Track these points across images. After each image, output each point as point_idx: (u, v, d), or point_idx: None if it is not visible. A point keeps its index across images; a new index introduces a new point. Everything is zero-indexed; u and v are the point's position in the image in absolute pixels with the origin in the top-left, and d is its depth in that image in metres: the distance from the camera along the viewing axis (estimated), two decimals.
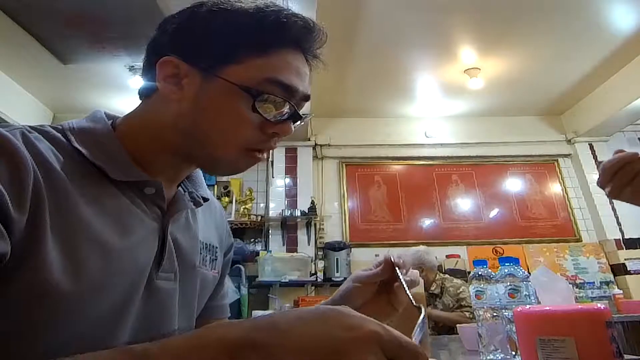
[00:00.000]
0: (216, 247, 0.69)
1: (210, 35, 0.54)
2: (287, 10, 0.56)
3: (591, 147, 4.34)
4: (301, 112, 0.59)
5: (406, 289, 0.62)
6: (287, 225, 3.84)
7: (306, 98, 0.59)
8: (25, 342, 0.42)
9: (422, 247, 2.95)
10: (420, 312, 0.51)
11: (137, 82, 3.31)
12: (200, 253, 0.63)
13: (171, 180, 0.61)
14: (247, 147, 0.56)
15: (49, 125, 0.53)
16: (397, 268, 0.65)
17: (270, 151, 0.60)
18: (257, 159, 0.58)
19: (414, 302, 0.58)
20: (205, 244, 0.65)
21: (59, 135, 0.52)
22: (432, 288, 2.74)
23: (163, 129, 0.56)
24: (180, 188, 0.63)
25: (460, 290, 2.69)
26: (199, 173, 0.68)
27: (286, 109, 0.56)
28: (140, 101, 0.61)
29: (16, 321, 0.42)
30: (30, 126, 0.51)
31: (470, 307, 2.56)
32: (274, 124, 0.55)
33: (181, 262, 0.58)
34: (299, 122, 0.59)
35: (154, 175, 0.56)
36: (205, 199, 0.67)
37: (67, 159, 0.49)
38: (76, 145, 0.51)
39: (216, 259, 0.68)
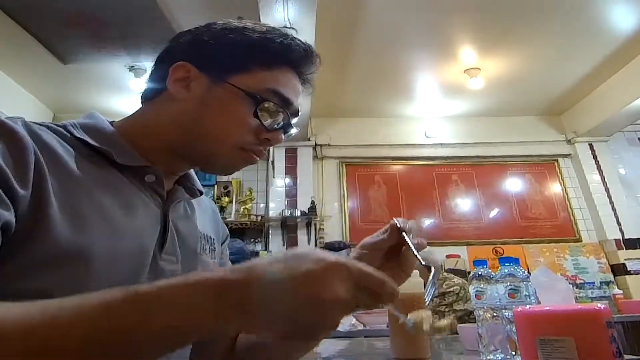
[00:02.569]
0: (213, 239, 0.72)
1: (223, 47, 0.61)
2: (291, 35, 0.64)
3: (591, 147, 4.34)
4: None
5: (414, 250, 0.62)
6: (287, 226, 3.84)
7: (296, 114, 0.66)
8: None
9: (425, 248, 2.94)
10: (430, 271, 0.54)
11: (137, 82, 3.32)
12: (200, 242, 0.67)
13: (170, 177, 0.65)
14: (240, 147, 0.61)
15: (49, 122, 0.57)
16: (403, 232, 0.66)
17: (265, 153, 0.65)
18: (250, 158, 0.63)
19: (422, 262, 0.59)
20: (204, 234, 0.69)
21: (61, 129, 0.56)
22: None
23: (163, 126, 0.61)
24: (176, 183, 0.68)
25: (451, 290, 2.65)
26: (191, 172, 0.72)
27: (281, 118, 0.62)
28: (142, 104, 0.66)
29: (31, 289, 0.43)
30: (32, 121, 0.55)
31: (449, 308, 2.55)
32: (267, 130, 0.62)
33: (183, 247, 0.61)
34: (288, 134, 0.66)
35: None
36: (201, 192, 0.71)
37: (71, 147, 0.54)
38: (79, 135, 0.56)
39: (215, 250, 0.72)
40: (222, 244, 0.78)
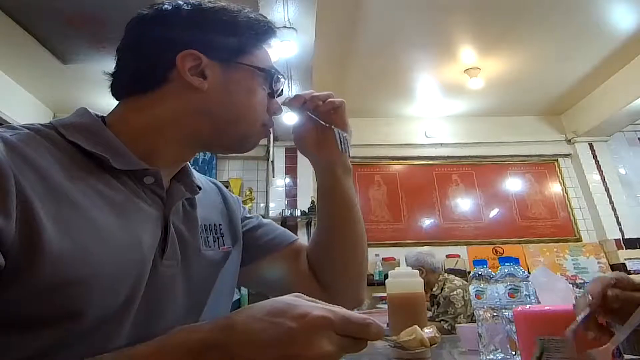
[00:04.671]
0: (219, 225, 0.71)
1: (223, 31, 0.62)
2: (256, 12, 0.67)
3: (591, 147, 4.34)
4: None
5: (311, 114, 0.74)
6: (288, 225, 3.83)
7: None
8: (42, 333, 0.42)
9: (425, 249, 2.93)
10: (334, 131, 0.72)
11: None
12: (201, 236, 0.65)
13: (168, 173, 0.63)
14: (263, 123, 0.66)
15: (38, 124, 0.53)
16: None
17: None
18: (268, 132, 0.69)
19: (322, 122, 0.74)
20: (206, 225, 0.67)
21: (52, 131, 0.52)
22: (434, 289, 2.72)
23: (184, 118, 0.60)
24: (173, 180, 0.65)
25: (454, 293, 2.61)
26: (187, 165, 0.70)
27: (283, 90, 0.70)
28: (128, 98, 0.61)
29: (27, 316, 0.42)
30: (21, 125, 0.51)
31: (454, 315, 2.52)
32: (274, 103, 0.68)
33: (184, 249, 0.60)
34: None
35: (153, 166, 0.58)
36: (200, 187, 0.69)
37: (62, 153, 0.50)
38: (71, 138, 0.52)
39: (222, 236, 0.70)
40: (240, 217, 0.78)
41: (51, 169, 0.47)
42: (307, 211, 3.78)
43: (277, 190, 4.02)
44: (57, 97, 3.72)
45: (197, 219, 0.65)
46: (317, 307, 0.38)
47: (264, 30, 0.66)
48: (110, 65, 0.66)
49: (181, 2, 0.62)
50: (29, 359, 0.41)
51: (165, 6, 0.62)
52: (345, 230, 0.78)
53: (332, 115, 0.74)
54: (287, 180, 4.07)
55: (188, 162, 0.69)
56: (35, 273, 0.41)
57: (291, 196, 4.00)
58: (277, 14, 2.45)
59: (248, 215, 0.81)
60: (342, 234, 0.78)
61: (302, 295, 0.41)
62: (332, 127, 0.73)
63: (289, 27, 2.52)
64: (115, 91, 0.63)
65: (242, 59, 0.63)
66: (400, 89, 3.97)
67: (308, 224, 3.84)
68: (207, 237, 0.66)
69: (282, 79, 0.68)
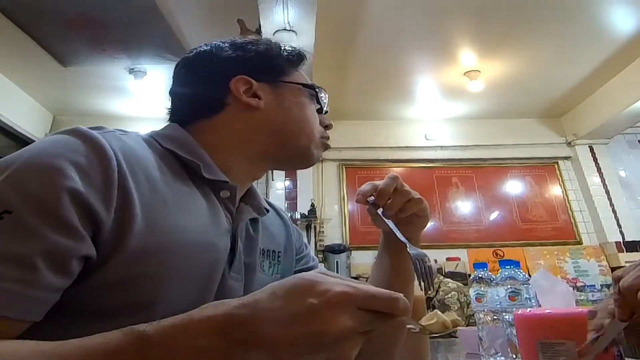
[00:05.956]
0: (278, 252, 0.74)
1: (262, 57, 0.69)
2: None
3: (591, 149, 4.33)
4: None
5: (388, 224, 0.71)
6: None
7: None
8: (113, 323, 0.43)
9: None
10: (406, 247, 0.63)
11: (137, 85, 3.31)
12: (259, 259, 0.68)
13: (239, 191, 0.67)
14: (321, 135, 0.71)
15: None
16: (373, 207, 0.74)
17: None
18: (328, 146, 0.73)
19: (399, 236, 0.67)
20: (264, 250, 0.70)
21: (150, 138, 0.59)
22: (429, 292, 2.70)
23: (251, 135, 0.66)
24: (242, 202, 0.69)
25: (448, 296, 2.59)
26: (255, 187, 0.74)
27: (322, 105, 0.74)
28: (192, 124, 0.66)
29: (101, 307, 0.44)
30: (124, 130, 0.57)
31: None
32: (325, 117, 0.74)
33: (245, 267, 0.63)
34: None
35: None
36: (267, 209, 0.73)
37: (160, 157, 0.56)
38: (168, 146, 0.59)
39: (279, 264, 0.73)
40: (299, 249, 0.80)
41: (151, 169, 0.52)
42: (307, 214, 3.78)
43: (276, 193, 4.01)
44: (57, 99, 3.72)
45: (257, 241, 0.68)
46: (340, 284, 0.38)
47: (296, 53, 0.72)
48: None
49: (216, 42, 0.70)
50: None
51: (204, 47, 0.70)
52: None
53: (408, 213, 0.73)
54: (287, 182, 4.07)
55: (255, 187, 0.74)
56: (116, 266, 0.44)
57: (291, 199, 4.00)
58: (277, 17, 2.45)
59: (305, 250, 0.83)
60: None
61: (327, 271, 0.41)
62: (408, 249, 0.63)
63: (289, 30, 2.52)
64: (178, 121, 0.68)
65: (285, 79, 0.69)
66: (400, 92, 3.97)
67: (308, 227, 3.84)
68: (263, 262, 0.69)
69: (326, 94, 0.73)
